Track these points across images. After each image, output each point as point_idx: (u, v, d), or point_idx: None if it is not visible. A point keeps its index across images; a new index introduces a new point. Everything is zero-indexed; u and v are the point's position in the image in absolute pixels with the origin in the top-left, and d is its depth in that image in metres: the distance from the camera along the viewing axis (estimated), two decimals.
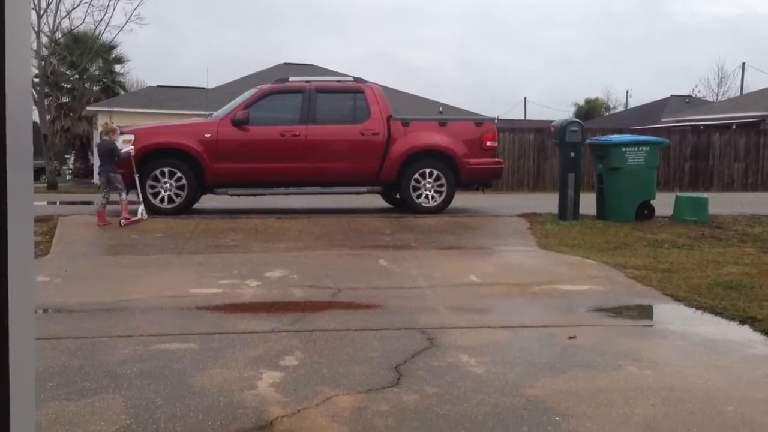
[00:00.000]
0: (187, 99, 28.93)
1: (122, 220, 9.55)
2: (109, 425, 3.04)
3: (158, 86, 33.54)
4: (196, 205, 11.63)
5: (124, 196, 9.91)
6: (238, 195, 11.43)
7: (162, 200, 10.72)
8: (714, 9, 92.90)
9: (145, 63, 78.98)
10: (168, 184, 10.72)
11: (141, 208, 10.12)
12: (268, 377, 3.68)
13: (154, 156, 10.75)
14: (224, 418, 3.12)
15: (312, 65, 34.35)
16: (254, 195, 11.60)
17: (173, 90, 31.70)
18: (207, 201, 12.11)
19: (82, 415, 3.14)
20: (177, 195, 10.77)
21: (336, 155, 11.10)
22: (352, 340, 4.41)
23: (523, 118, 57.24)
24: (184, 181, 10.74)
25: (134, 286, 6.22)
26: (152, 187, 10.68)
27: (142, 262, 7.61)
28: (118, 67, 37.15)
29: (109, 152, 10.03)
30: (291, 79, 11.74)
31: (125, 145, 10.27)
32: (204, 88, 25.33)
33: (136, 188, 10.34)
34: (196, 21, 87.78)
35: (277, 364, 3.92)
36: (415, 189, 11.27)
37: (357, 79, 11.93)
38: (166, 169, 10.70)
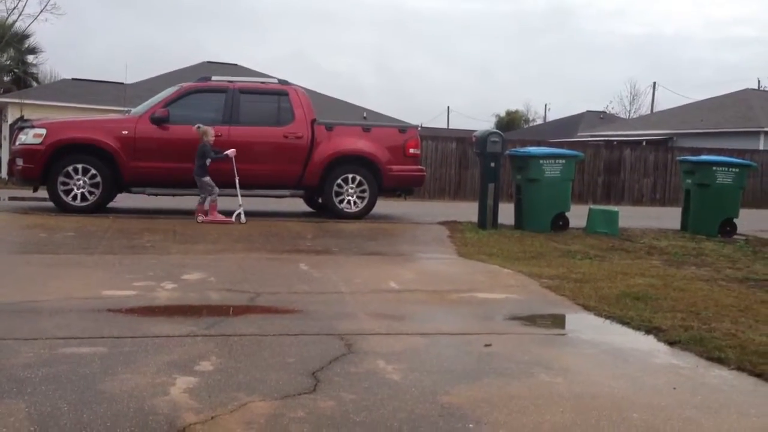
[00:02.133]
0: (105, 94, 28.01)
1: (199, 217, 9.92)
2: None
3: (74, 79, 32.33)
4: (111, 204, 11.27)
5: (214, 197, 10.15)
6: (156, 195, 11.13)
7: (74, 198, 10.35)
8: (628, 29, 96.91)
9: (60, 55, 75.74)
10: (81, 182, 10.35)
11: (240, 211, 10.17)
12: (182, 383, 3.59)
13: (67, 151, 10.37)
14: (134, 425, 3.03)
15: (236, 65, 33.85)
16: (173, 195, 11.33)
17: (90, 84, 30.60)
18: (123, 200, 11.75)
19: None
20: (90, 193, 10.41)
21: (258, 157, 10.98)
22: (270, 346, 4.36)
23: (446, 126, 58.12)
24: (98, 178, 10.40)
25: (42, 286, 5.97)
26: (64, 183, 10.30)
27: (52, 261, 7.31)
28: (31, 58, 35.69)
29: (200, 155, 10.08)
30: (214, 78, 11.55)
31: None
32: (122, 84, 24.59)
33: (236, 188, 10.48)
34: (114, 13, 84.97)
35: (192, 369, 3.83)
36: (338, 194, 11.27)
37: (282, 82, 11.85)
38: (79, 166, 10.34)
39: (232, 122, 10.95)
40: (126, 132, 10.62)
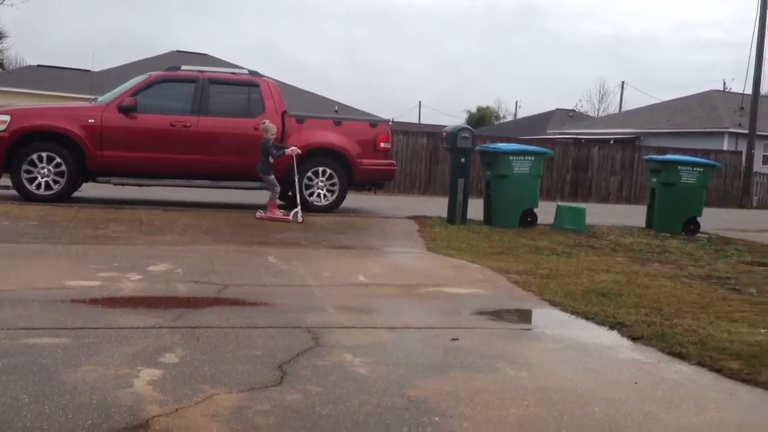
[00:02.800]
0: (71, 81, 27.54)
1: (259, 212, 9.98)
2: None
3: (39, 65, 31.74)
4: (76, 194, 11.09)
5: (274, 195, 10.21)
6: (123, 185, 10.99)
7: (39, 186, 10.17)
8: (597, 28, 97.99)
9: (25, 40, 74.40)
10: (46, 170, 10.18)
11: (297, 210, 10.08)
12: (146, 375, 3.56)
13: (31, 139, 10.18)
14: (96, 417, 2.99)
15: (206, 55, 33.53)
16: (140, 185, 11.19)
17: (55, 71, 30.07)
18: (88, 189, 11.57)
19: None
20: (55, 182, 10.24)
21: (228, 149, 10.88)
22: (236, 338, 4.34)
23: (417, 121, 58.23)
24: (63, 167, 10.23)
25: (4, 276, 5.85)
26: (28, 172, 10.12)
27: (13, 250, 7.17)
28: None
29: (263, 152, 10.04)
30: (183, 67, 11.41)
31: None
32: (89, 71, 24.18)
33: (294, 187, 10.44)
34: None
35: (157, 361, 3.80)
36: (308, 187, 11.22)
37: (252, 73, 11.75)
38: (44, 154, 10.16)
39: (201, 113, 10.84)
40: (92, 120, 10.46)
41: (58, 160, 10.21)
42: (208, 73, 11.30)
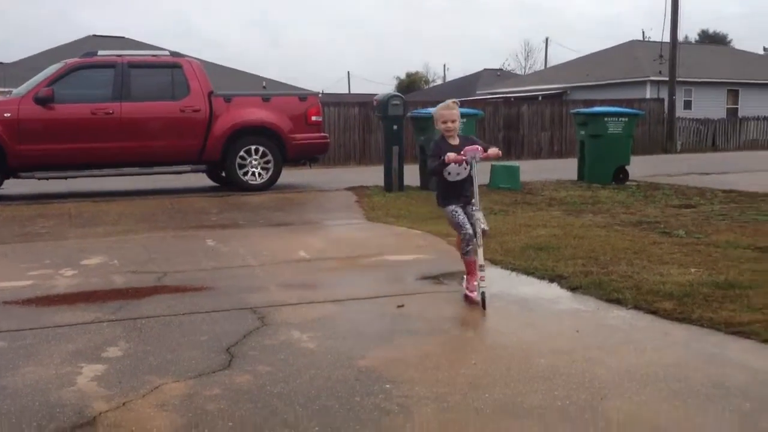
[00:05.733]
0: None
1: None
2: None
3: None
4: None
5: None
6: (47, 178, 10.62)
7: None
8: None
9: None
10: None
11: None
12: (89, 371, 3.48)
13: None
14: (41, 419, 2.91)
15: (123, 38, 32.45)
16: (65, 178, 10.83)
17: None
18: (11, 186, 11.12)
19: None
20: None
21: (155, 134, 10.62)
22: (180, 325, 4.28)
23: (347, 92, 57.88)
24: None
25: None
26: None
27: None
28: None
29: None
30: (100, 53, 11.02)
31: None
32: (1, 63, 23.12)
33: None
34: None
35: (99, 356, 3.71)
36: (241, 166, 11.07)
37: (174, 54, 11.45)
38: None
39: (123, 98, 10.52)
40: (8, 114, 10.03)
41: None
42: (128, 57, 10.95)
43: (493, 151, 4.58)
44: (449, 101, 4.83)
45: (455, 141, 4.73)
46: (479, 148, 4.55)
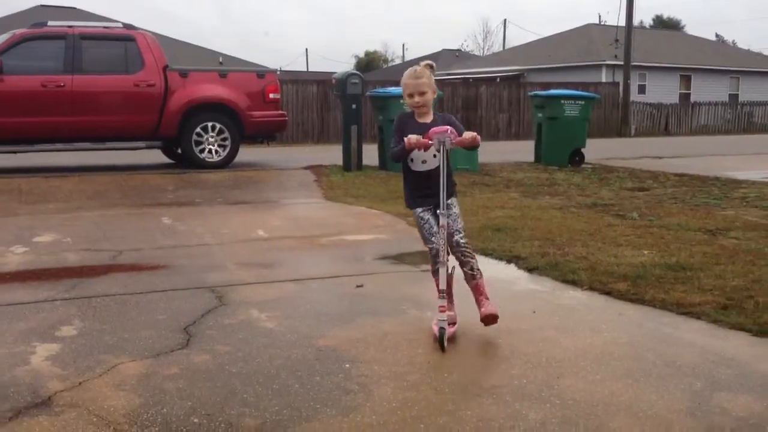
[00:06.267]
0: None
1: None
2: None
3: None
4: None
5: None
6: None
7: None
8: None
9: None
10: None
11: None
12: (43, 350, 3.41)
13: None
14: None
15: (74, 8, 31.50)
16: (14, 152, 10.54)
17: None
18: None
19: None
20: None
21: (108, 108, 10.38)
22: (137, 304, 4.21)
23: (305, 69, 57.34)
24: None
25: None
26: None
27: None
28: None
29: None
30: (50, 23, 10.69)
31: None
32: None
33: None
34: None
35: (53, 335, 3.64)
36: (198, 143, 10.91)
37: (127, 26, 11.17)
38: None
39: (75, 71, 10.25)
40: None
41: None
42: (79, 29, 10.65)
43: (469, 135, 3.44)
44: (417, 66, 3.63)
45: (427, 119, 3.63)
46: (449, 129, 3.42)
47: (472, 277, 3.66)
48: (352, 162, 11.08)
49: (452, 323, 3.64)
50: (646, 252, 5.41)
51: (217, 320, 3.90)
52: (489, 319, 3.56)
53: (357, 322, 3.89)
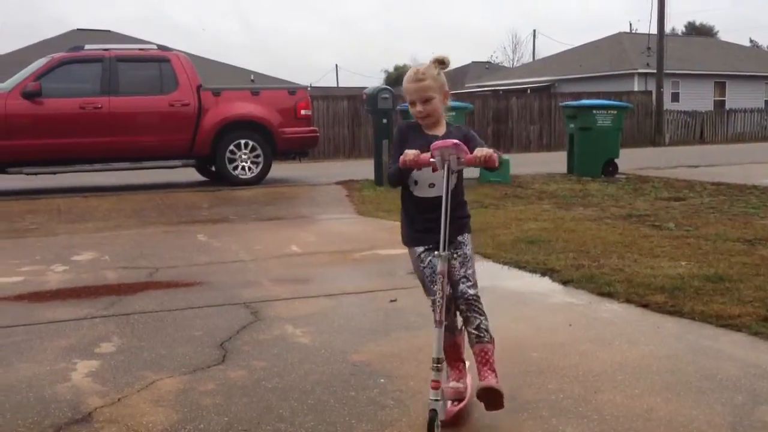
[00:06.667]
0: None
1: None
2: None
3: None
4: None
5: None
6: (36, 174, 10.56)
7: None
8: None
9: None
10: None
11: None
12: (83, 367, 3.47)
13: None
14: (36, 414, 2.91)
15: (109, 31, 32.20)
16: (54, 173, 10.78)
17: None
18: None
19: None
20: None
21: (144, 128, 10.58)
22: (174, 321, 4.27)
23: (336, 85, 57.74)
24: None
25: None
26: None
27: None
28: None
29: None
30: (87, 47, 10.95)
31: None
32: None
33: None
34: None
35: (93, 352, 3.70)
36: (231, 161, 11.05)
37: (161, 47, 11.39)
38: None
39: (111, 93, 10.47)
40: None
41: None
42: (115, 51, 10.89)
43: (482, 153, 2.59)
44: (417, 67, 2.88)
45: (437, 130, 2.87)
46: (457, 144, 2.58)
47: (478, 340, 2.78)
48: (383, 176, 11.10)
49: (459, 399, 2.87)
50: (683, 263, 5.32)
51: (253, 336, 3.93)
52: (489, 395, 2.66)
53: (391, 336, 3.89)
